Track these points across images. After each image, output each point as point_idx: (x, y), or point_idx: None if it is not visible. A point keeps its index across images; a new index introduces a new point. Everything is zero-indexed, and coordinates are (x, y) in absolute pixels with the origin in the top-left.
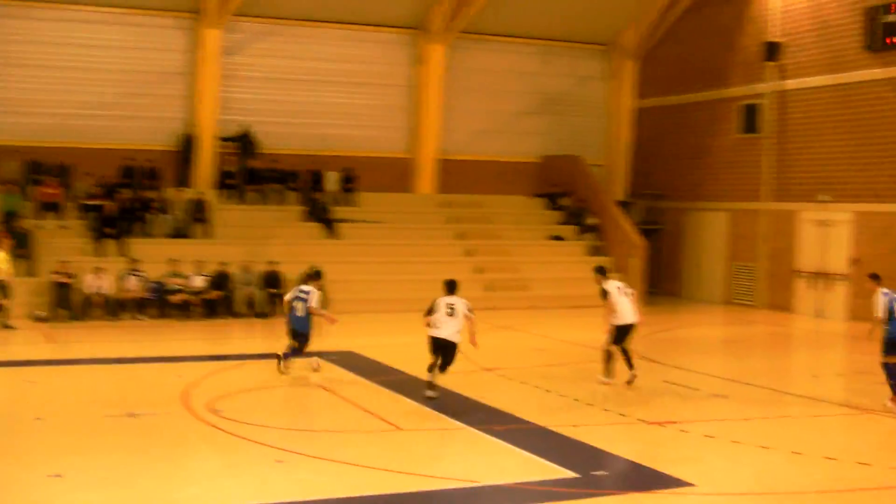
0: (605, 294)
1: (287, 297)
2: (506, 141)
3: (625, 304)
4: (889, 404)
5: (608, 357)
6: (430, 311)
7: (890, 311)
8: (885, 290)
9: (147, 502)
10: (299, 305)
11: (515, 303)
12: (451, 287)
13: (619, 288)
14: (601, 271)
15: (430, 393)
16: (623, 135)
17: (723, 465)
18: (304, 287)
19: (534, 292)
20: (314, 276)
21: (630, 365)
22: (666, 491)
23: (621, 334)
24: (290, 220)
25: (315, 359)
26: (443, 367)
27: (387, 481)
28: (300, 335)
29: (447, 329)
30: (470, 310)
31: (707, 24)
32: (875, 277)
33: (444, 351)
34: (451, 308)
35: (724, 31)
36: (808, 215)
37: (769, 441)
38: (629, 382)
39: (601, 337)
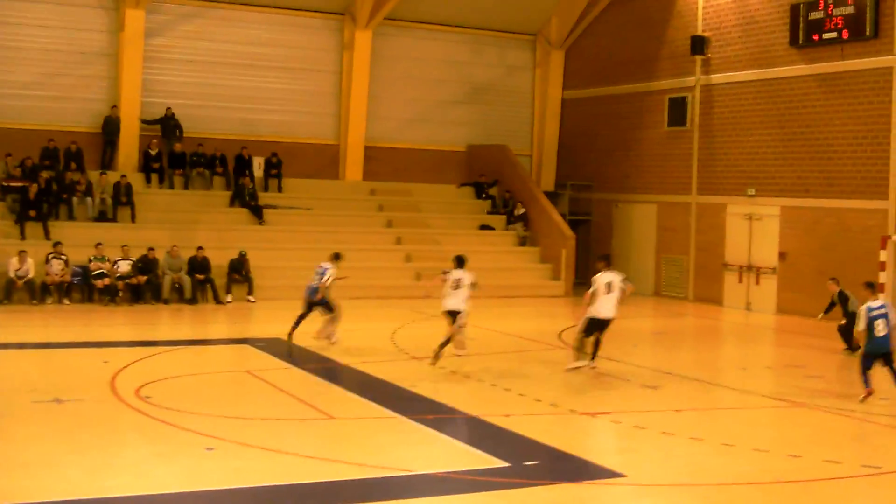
0: (591, 284)
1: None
2: (434, 129)
3: (607, 300)
4: (861, 400)
5: (580, 345)
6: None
7: (870, 327)
8: (873, 305)
9: (75, 491)
10: (315, 278)
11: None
12: (459, 262)
13: (608, 283)
14: (605, 259)
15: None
16: (551, 125)
17: (654, 455)
18: (325, 264)
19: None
20: (335, 257)
21: (594, 356)
22: (597, 481)
23: (593, 326)
24: (216, 206)
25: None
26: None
27: (319, 470)
28: (310, 303)
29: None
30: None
31: (634, 16)
32: (871, 286)
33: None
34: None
35: (651, 24)
36: (736, 209)
37: (700, 432)
38: (577, 369)
39: (543, 326)
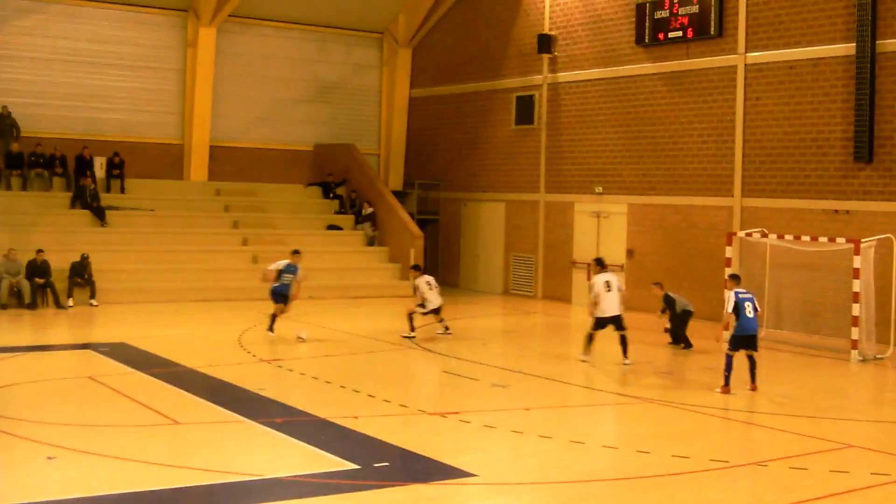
0: (590, 287)
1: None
2: (280, 128)
3: (609, 298)
4: (718, 392)
5: (590, 339)
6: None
7: (740, 309)
8: (740, 290)
9: None
10: (286, 277)
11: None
12: (600, 263)
13: (607, 283)
14: (599, 263)
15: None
16: (398, 124)
17: (504, 454)
18: (290, 262)
19: (311, 282)
20: (296, 253)
21: (624, 353)
22: (448, 482)
23: (601, 324)
24: (56, 207)
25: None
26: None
27: (165, 476)
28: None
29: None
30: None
31: (481, 14)
32: (735, 277)
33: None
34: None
35: (498, 23)
36: (584, 207)
37: (549, 430)
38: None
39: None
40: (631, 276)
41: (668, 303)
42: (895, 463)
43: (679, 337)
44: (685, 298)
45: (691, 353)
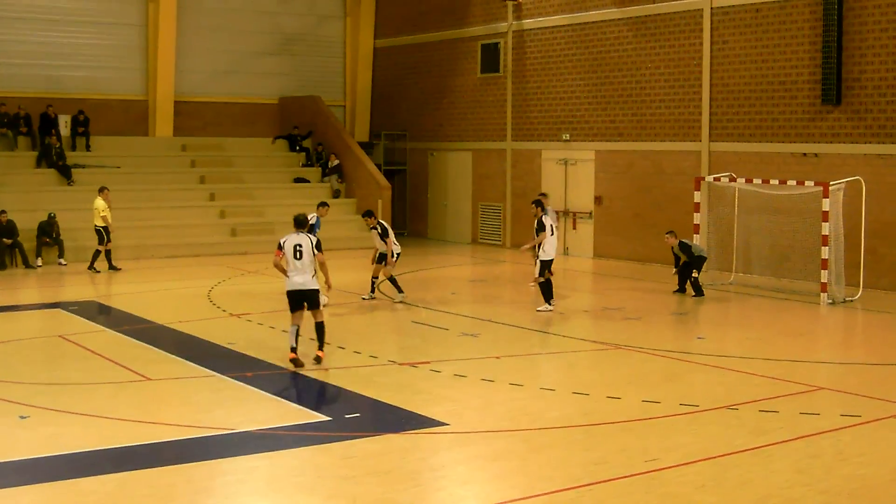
0: (541, 229)
1: None
2: (245, 81)
3: (553, 241)
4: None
5: (549, 286)
6: None
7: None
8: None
9: None
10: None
11: (261, 247)
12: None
13: (552, 226)
14: (539, 204)
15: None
16: (363, 75)
17: (475, 403)
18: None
19: (279, 235)
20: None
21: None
22: (420, 431)
23: (545, 267)
24: (21, 167)
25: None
26: None
27: (137, 432)
28: None
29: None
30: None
31: None
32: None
33: None
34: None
35: None
36: (551, 154)
37: (519, 378)
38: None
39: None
40: (599, 223)
41: (684, 249)
42: (865, 404)
43: (692, 284)
44: (700, 244)
45: (662, 298)
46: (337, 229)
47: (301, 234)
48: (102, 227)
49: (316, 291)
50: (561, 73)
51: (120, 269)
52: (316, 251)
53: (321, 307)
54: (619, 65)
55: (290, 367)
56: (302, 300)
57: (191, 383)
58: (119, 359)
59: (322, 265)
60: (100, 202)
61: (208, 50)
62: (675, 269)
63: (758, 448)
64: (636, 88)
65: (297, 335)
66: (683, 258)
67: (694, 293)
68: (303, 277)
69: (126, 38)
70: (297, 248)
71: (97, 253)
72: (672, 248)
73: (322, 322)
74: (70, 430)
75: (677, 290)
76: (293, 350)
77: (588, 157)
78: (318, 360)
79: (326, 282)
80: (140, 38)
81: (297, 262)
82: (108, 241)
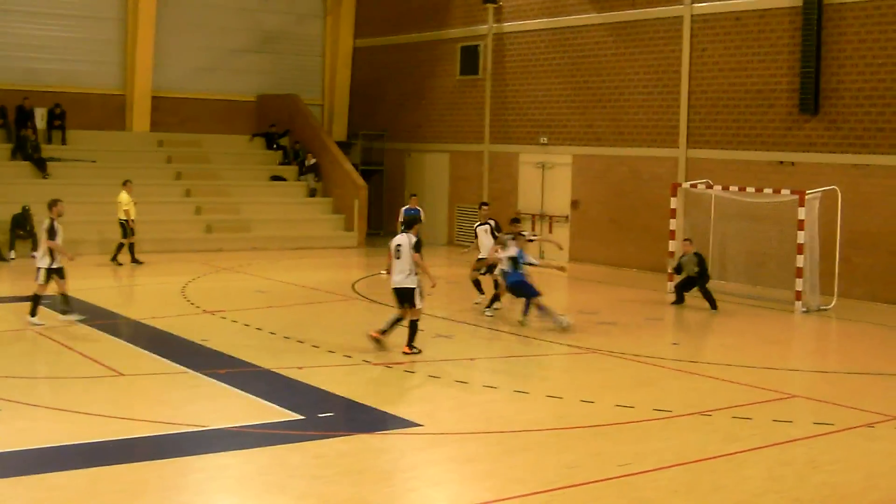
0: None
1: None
2: (223, 78)
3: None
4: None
5: (476, 284)
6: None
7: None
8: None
9: None
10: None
11: (236, 244)
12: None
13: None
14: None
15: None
16: (342, 74)
17: (449, 405)
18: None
19: (255, 233)
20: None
21: (482, 291)
22: (393, 431)
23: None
24: None
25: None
26: None
27: (108, 428)
28: None
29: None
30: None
31: None
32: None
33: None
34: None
35: None
36: (528, 157)
37: (494, 381)
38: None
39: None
40: (576, 227)
41: (700, 261)
42: (838, 412)
43: (705, 296)
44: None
45: (637, 303)
46: (312, 228)
47: (405, 234)
48: (125, 220)
49: (411, 290)
50: (540, 77)
51: (142, 262)
52: (413, 251)
53: (417, 306)
54: (598, 70)
55: (366, 342)
56: (401, 297)
57: (164, 379)
58: (92, 354)
59: (418, 264)
60: (124, 196)
61: (187, 46)
62: (672, 275)
63: (731, 454)
64: (615, 94)
65: (394, 323)
66: (690, 270)
67: (710, 306)
68: (399, 276)
69: (105, 32)
70: (398, 247)
71: (120, 246)
72: (683, 255)
73: (415, 321)
74: (41, 425)
75: (675, 302)
76: (382, 332)
77: (565, 161)
78: (406, 353)
79: (429, 279)
80: (119, 32)
81: (396, 262)
82: (133, 233)
